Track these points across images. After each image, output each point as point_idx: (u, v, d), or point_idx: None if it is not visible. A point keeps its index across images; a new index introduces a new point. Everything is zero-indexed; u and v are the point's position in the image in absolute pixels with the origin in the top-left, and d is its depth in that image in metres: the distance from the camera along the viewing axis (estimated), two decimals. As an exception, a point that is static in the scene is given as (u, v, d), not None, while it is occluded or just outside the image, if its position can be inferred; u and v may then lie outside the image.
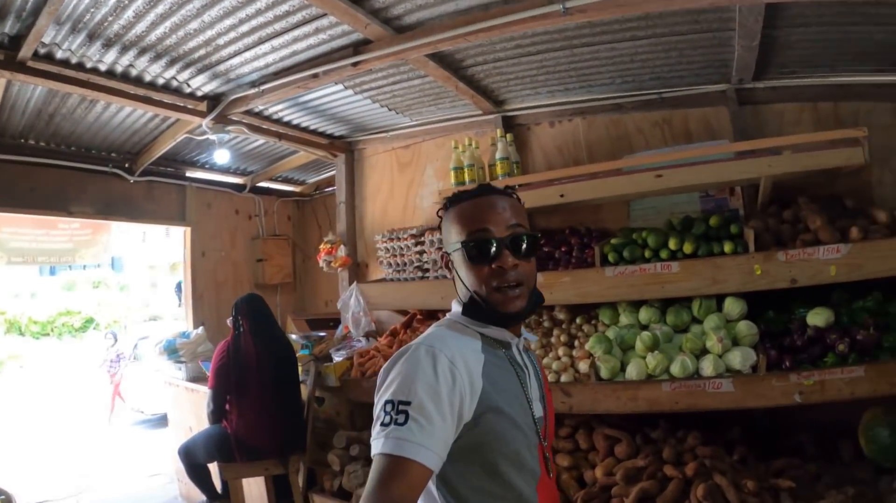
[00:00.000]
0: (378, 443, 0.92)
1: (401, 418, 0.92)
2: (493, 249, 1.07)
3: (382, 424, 0.93)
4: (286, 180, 5.07)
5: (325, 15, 2.29)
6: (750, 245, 2.32)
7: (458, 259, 1.12)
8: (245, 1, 2.18)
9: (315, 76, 2.69)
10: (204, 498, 3.07)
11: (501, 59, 2.78)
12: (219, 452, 2.85)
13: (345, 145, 4.07)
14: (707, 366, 2.25)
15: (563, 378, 2.51)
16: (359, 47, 2.54)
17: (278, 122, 3.60)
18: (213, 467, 3.02)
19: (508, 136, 3.13)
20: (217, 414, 2.89)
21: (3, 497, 2.75)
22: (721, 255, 2.38)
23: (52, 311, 15.71)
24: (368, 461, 1.89)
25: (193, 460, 2.95)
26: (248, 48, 2.57)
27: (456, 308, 1.17)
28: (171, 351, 3.89)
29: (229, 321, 3.05)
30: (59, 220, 4.13)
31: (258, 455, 2.86)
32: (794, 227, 2.41)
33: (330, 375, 3.16)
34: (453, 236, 1.13)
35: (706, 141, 2.88)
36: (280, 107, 3.38)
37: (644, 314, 2.58)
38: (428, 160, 3.75)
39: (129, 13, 2.16)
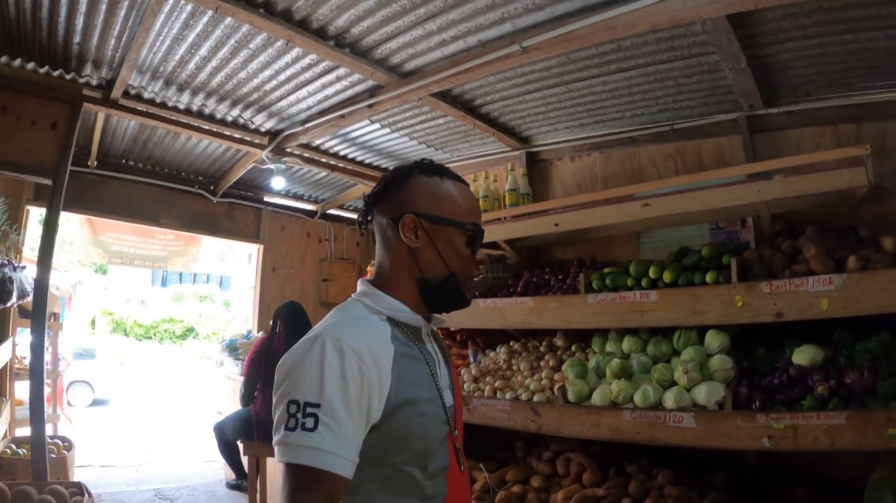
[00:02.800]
0: (287, 451, 0.86)
1: (309, 422, 0.86)
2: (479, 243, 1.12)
3: (288, 428, 0.86)
4: (356, 210, 5.61)
5: (338, 67, 2.74)
6: (732, 275, 2.21)
7: (446, 236, 1.06)
8: (275, 56, 2.71)
9: (342, 116, 3.16)
10: (234, 477, 3.52)
11: (507, 97, 3.00)
12: (243, 430, 3.30)
13: (396, 179, 4.48)
14: (669, 398, 2.16)
15: (536, 398, 2.55)
16: (374, 91, 2.95)
17: (334, 155, 4.12)
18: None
19: (520, 169, 3.31)
20: (246, 398, 3.35)
21: (66, 443, 3.46)
22: (702, 285, 2.29)
23: (157, 318, 17.29)
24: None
25: (224, 436, 3.43)
26: (289, 93, 3.11)
27: (364, 288, 1.08)
28: (232, 348, 4.52)
29: (270, 322, 3.55)
30: (155, 230, 4.98)
31: (274, 437, 3.24)
32: (791, 259, 2.22)
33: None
34: (449, 211, 1.07)
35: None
36: (334, 141, 3.90)
37: (626, 343, 2.53)
38: (466, 194, 4.02)
39: (191, 66, 2.80)
